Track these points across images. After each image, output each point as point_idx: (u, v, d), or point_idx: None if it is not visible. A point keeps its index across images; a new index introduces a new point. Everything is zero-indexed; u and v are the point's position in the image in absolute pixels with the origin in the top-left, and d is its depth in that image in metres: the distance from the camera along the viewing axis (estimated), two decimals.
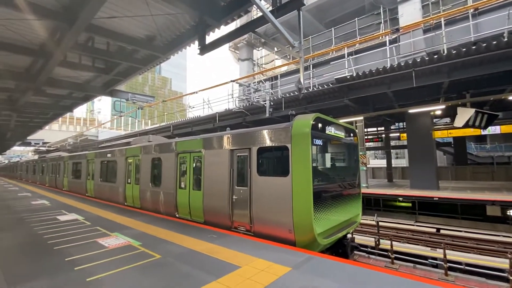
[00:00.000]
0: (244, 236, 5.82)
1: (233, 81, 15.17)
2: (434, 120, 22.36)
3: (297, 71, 20.26)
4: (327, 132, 5.95)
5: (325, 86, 13.18)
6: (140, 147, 10.09)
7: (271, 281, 3.66)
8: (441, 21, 13.66)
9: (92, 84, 13.84)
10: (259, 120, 15.65)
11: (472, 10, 13.34)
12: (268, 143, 5.87)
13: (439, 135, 17.78)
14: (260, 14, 5.19)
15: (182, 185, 7.98)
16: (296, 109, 14.49)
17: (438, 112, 15.18)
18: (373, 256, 7.94)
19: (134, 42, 9.19)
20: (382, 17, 17.38)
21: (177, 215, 8.01)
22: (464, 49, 9.22)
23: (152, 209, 9.03)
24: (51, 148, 39.14)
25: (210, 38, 7.82)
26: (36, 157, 33.61)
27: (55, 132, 57.35)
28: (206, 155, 7.22)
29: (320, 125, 5.69)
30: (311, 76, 18.77)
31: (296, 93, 14.02)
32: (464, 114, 10.66)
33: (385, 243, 8.01)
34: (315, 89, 13.51)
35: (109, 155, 12.30)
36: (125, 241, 5.59)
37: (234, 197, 6.36)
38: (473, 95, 11.38)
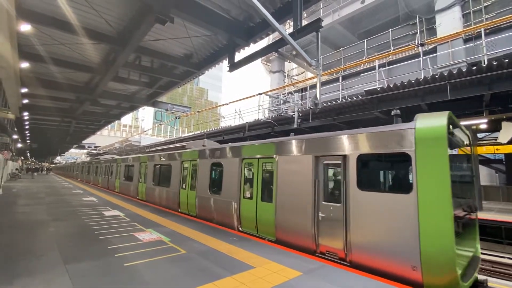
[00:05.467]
0: (267, 243, 6.04)
1: (261, 94, 15.78)
2: (482, 135, 20.39)
3: (326, 82, 20.27)
4: (456, 136, 4.54)
5: (354, 98, 13.10)
6: (198, 151, 9.29)
7: (280, 282, 3.96)
8: (483, 30, 12.81)
9: (137, 96, 15.64)
10: (287, 130, 15.96)
11: None
12: (374, 149, 4.67)
13: (483, 151, 16.22)
14: (286, 32, 5.68)
15: (247, 195, 7.08)
16: (323, 121, 14.56)
17: (483, 126, 13.93)
18: None
19: (174, 60, 10.38)
20: (418, 27, 16.72)
21: (240, 229, 7.10)
22: (506, 60, 8.64)
23: (209, 219, 8.19)
24: (101, 152, 43.67)
25: (240, 55, 8.56)
26: (88, 159, 37.39)
27: (105, 137, 64.11)
28: (280, 162, 6.24)
29: (451, 127, 4.22)
30: (340, 88, 18.62)
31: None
32: (509, 129, 9.80)
33: None
34: (344, 100, 13.48)
35: (163, 158, 11.60)
36: (157, 236, 6.29)
37: (320, 214, 5.28)
38: None
